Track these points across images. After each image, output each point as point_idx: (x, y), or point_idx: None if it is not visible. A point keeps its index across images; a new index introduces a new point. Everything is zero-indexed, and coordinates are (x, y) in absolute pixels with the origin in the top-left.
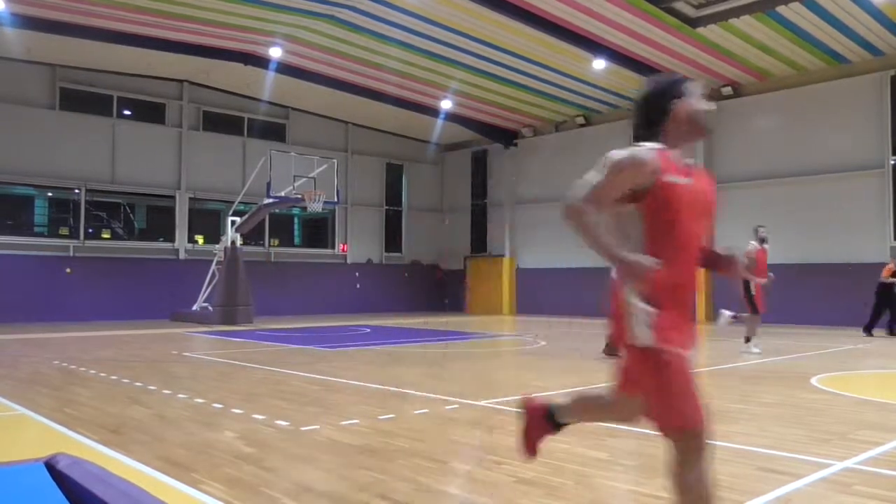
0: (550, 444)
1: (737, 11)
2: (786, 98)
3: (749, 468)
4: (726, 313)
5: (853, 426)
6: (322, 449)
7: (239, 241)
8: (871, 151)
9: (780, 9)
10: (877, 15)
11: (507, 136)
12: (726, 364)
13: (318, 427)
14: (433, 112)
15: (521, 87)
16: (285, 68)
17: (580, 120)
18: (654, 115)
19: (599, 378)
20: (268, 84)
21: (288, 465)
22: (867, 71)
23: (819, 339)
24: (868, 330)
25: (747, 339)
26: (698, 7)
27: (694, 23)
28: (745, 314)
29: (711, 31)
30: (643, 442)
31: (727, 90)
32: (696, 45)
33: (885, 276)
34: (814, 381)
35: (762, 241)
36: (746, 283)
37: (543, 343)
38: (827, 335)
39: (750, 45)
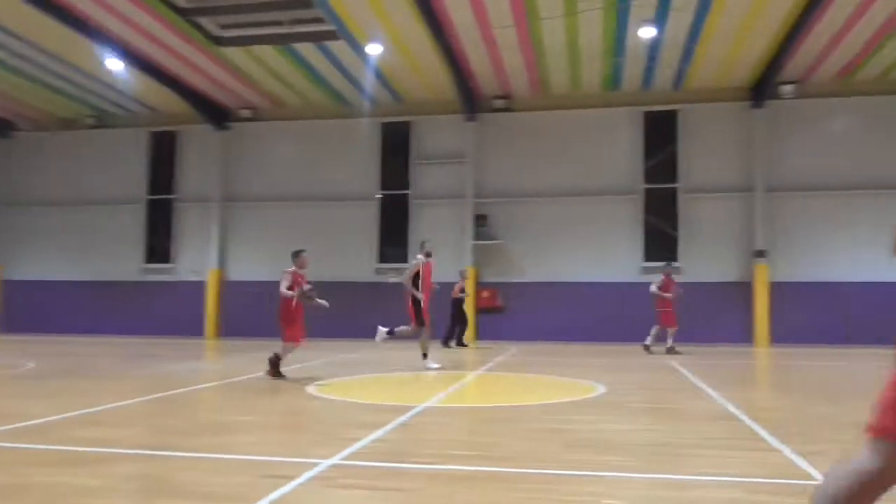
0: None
1: (258, 39)
2: (299, 127)
3: (252, 476)
4: (382, 329)
5: (341, 426)
6: None
7: None
8: (366, 186)
9: (297, 46)
10: (376, 70)
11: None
12: (235, 377)
13: None
14: None
15: (19, 73)
16: None
17: (91, 120)
18: None
19: (105, 398)
20: None
21: None
22: (364, 115)
23: (330, 350)
24: (446, 342)
25: (424, 356)
26: (224, 28)
27: (218, 41)
28: (405, 328)
29: (235, 53)
30: (141, 464)
31: (246, 112)
32: (219, 64)
33: (456, 293)
34: (311, 388)
35: (428, 255)
36: (414, 297)
37: (32, 365)
38: (340, 346)
39: (268, 73)
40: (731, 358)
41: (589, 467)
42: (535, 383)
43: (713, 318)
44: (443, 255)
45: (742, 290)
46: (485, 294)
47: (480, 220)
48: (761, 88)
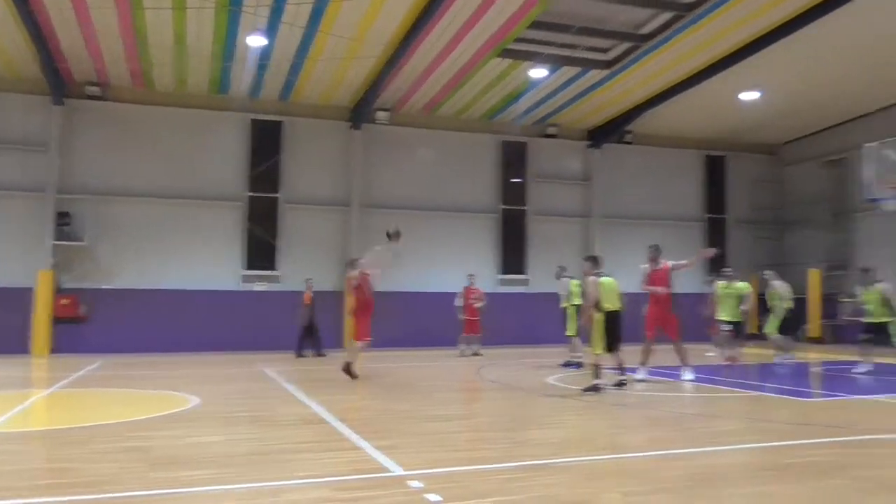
0: None
1: None
2: None
3: None
4: None
5: None
6: None
7: None
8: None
9: None
10: None
11: None
12: None
13: None
14: None
15: None
16: None
17: None
18: None
19: None
20: None
21: None
22: None
23: None
24: (298, 352)
25: None
26: None
27: None
28: None
29: None
30: None
31: None
32: None
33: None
34: None
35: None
36: None
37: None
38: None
39: None
40: (323, 363)
41: (178, 484)
42: (120, 399)
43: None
44: (13, 256)
45: (330, 300)
46: (64, 301)
47: (63, 217)
48: (360, 111)
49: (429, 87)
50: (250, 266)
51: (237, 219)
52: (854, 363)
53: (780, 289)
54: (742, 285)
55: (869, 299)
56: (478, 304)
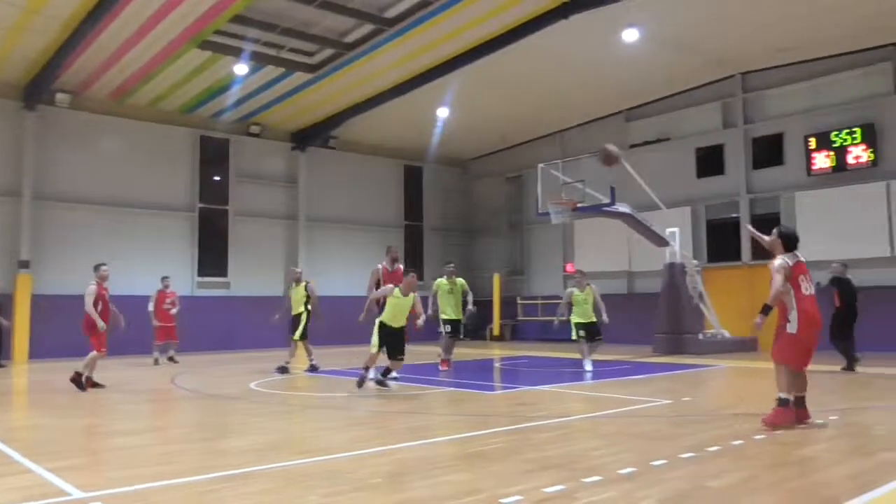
0: None
1: None
2: None
3: None
4: None
5: None
6: None
7: None
8: None
9: None
10: None
11: None
12: None
13: None
14: None
15: None
16: None
17: None
18: None
19: None
20: None
21: None
22: None
23: None
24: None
25: None
26: None
27: None
28: None
29: None
30: None
31: None
32: None
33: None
34: None
35: None
36: None
37: None
38: None
39: None
40: None
41: None
42: None
43: None
44: None
45: (5, 302)
46: None
47: None
48: (35, 91)
49: (118, 71)
50: None
51: None
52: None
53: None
54: (462, 281)
55: (579, 300)
56: (173, 310)
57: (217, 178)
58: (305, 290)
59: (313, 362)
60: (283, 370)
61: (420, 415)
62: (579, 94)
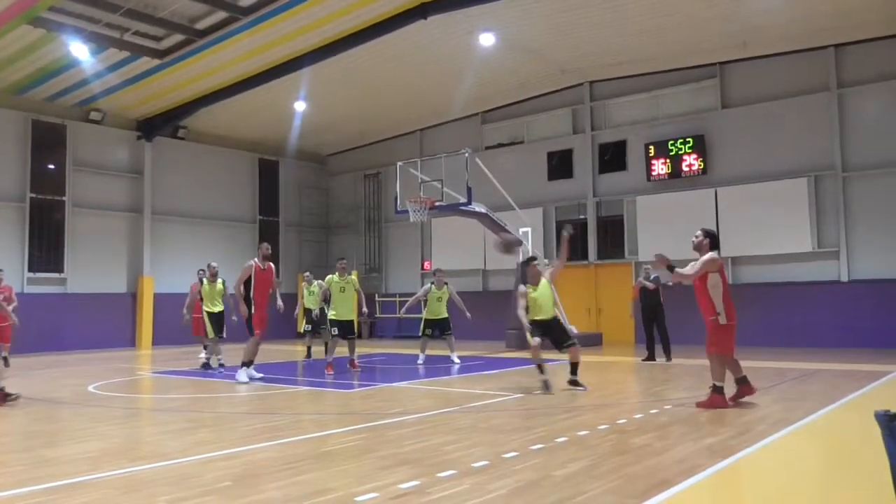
0: None
1: None
2: None
3: None
4: None
5: None
6: None
7: None
8: None
9: None
10: None
11: None
12: None
13: None
14: None
15: None
16: None
17: None
18: None
19: None
20: None
21: None
22: None
23: None
24: None
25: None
26: None
27: None
28: None
29: None
30: None
31: None
32: None
33: None
34: None
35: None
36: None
37: None
38: None
39: None
40: None
41: None
42: None
43: None
44: None
45: None
46: None
47: None
48: None
49: None
50: None
51: None
52: (382, 355)
53: (316, 289)
54: (354, 279)
55: (434, 298)
56: (10, 306)
57: (52, 166)
58: (223, 286)
59: (217, 360)
60: (206, 367)
61: (271, 415)
62: (437, 94)
